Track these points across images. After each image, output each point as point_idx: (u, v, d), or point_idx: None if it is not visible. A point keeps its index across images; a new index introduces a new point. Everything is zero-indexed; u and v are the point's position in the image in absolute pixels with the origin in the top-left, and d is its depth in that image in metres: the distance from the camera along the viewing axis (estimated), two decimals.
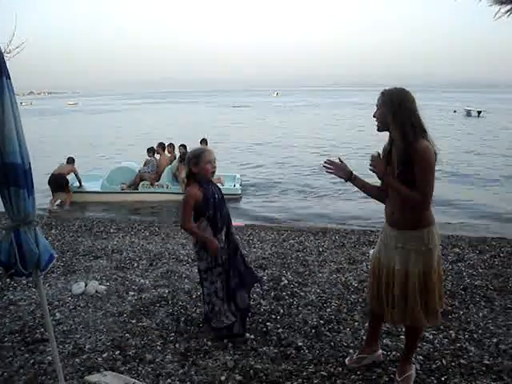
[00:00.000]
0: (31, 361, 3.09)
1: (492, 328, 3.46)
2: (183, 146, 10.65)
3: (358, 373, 2.87)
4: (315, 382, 2.81)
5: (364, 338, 3.20)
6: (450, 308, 3.78)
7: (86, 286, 4.36)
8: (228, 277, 3.32)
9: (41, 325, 3.57)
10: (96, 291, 4.29)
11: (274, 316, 3.73)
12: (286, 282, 4.49)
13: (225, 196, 3.42)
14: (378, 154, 2.58)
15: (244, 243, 6.08)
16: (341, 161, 2.73)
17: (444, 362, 2.98)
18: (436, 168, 2.43)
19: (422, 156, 2.35)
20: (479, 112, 39.42)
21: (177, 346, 3.27)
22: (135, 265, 5.17)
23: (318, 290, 4.28)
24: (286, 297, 4.12)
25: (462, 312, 3.75)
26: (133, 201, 10.64)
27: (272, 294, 4.20)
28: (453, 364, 2.96)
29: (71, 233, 6.85)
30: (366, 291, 2.94)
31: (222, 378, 2.85)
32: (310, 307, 3.89)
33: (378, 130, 2.57)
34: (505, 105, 58.57)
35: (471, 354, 3.09)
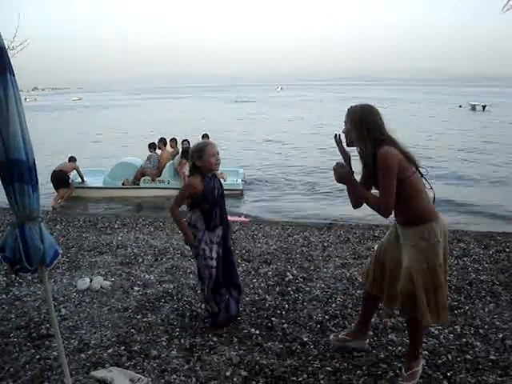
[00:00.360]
0: (37, 356, 3.11)
1: (498, 323, 3.44)
2: (186, 141, 10.66)
3: (364, 368, 2.87)
4: (321, 377, 2.81)
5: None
6: (455, 303, 3.77)
7: (91, 281, 4.37)
8: (217, 271, 3.37)
9: (46, 320, 3.58)
10: (101, 287, 4.30)
11: (279, 311, 3.73)
12: (290, 277, 4.49)
13: (226, 191, 3.42)
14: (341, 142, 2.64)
15: (249, 238, 6.08)
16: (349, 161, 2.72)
17: (450, 357, 2.97)
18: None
19: (380, 161, 2.43)
20: (484, 106, 39.28)
21: (182, 341, 3.28)
22: (140, 260, 5.18)
23: (323, 286, 4.27)
24: (291, 292, 4.12)
25: (467, 307, 3.73)
26: (134, 196, 10.69)
27: (277, 289, 4.20)
28: (458, 359, 2.94)
29: (76, 228, 6.87)
30: (364, 274, 2.97)
31: (228, 373, 2.85)
32: (315, 302, 3.89)
33: (347, 146, 2.65)
34: (510, 99, 58.10)
35: (477, 349, 3.07)
